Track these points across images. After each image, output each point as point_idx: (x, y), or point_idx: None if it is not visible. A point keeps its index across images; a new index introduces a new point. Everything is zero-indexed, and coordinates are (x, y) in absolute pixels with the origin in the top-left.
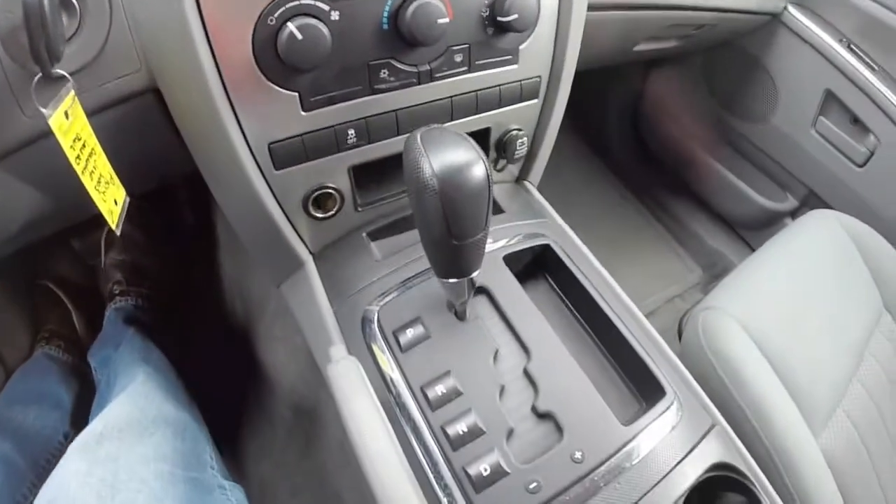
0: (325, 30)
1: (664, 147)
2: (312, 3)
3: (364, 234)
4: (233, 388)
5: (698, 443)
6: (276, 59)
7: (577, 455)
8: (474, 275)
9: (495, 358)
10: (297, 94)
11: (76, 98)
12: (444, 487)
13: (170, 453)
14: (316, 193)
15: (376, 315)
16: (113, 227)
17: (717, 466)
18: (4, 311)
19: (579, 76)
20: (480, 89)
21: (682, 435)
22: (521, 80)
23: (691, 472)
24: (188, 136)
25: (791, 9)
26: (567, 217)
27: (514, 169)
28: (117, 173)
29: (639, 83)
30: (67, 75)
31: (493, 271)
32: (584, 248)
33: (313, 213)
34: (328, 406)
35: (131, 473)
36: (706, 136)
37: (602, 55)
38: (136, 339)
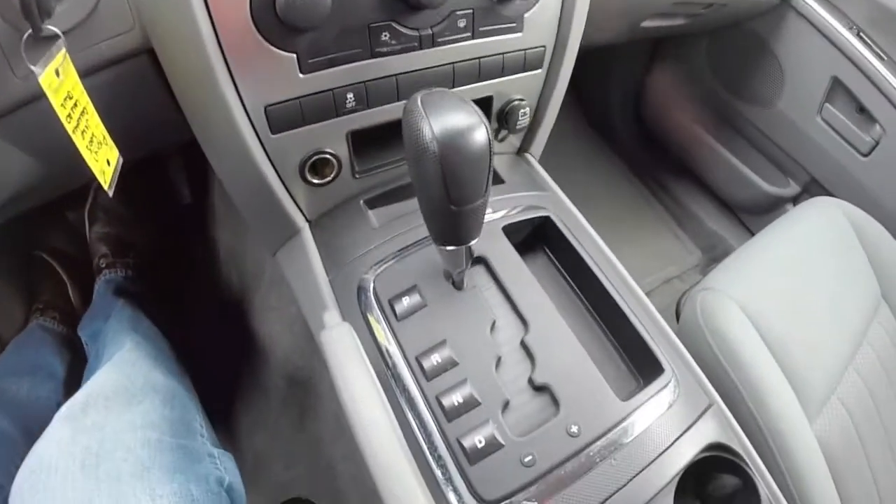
0: None
1: (667, 128)
2: None
3: (362, 202)
4: (227, 360)
5: (695, 422)
6: (274, 19)
7: (574, 429)
8: (472, 243)
9: (492, 328)
10: (295, 55)
11: (67, 56)
12: (438, 459)
13: (158, 421)
14: (313, 159)
15: (372, 284)
16: (105, 186)
17: (713, 447)
18: None
19: (584, 54)
20: (483, 56)
21: (679, 413)
22: (525, 49)
23: (687, 451)
24: (183, 98)
25: None
26: (567, 195)
27: (515, 140)
28: (112, 138)
29: (643, 64)
30: (59, 32)
31: (491, 241)
32: (585, 222)
33: (310, 179)
34: (323, 377)
35: (117, 441)
36: (710, 119)
37: (609, 29)
38: (126, 309)
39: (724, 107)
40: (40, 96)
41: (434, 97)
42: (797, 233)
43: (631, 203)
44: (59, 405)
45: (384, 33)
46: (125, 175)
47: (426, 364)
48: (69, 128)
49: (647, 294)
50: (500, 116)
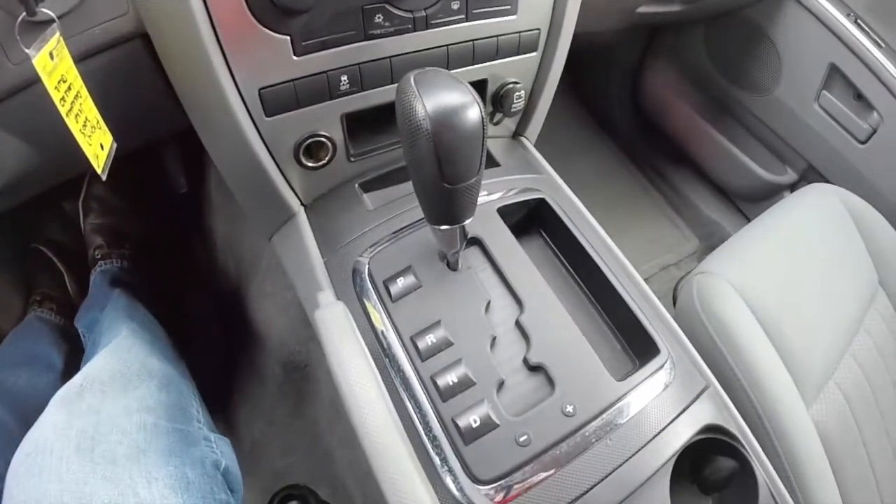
0: None
1: (664, 116)
2: None
3: (357, 185)
4: (224, 347)
5: (691, 403)
6: (267, 1)
7: (569, 408)
8: (466, 223)
9: (487, 309)
10: (288, 37)
11: (62, 40)
12: (433, 439)
13: (154, 405)
14: (308, 142)
15: (367, 266)
16: (98, 171)
17: (709, 428)
18: None
19: (581, 41)
20: (477, 39)
21: (675, 394)
22: (519, 32)
23: (683, 433)
24: (177, 81)
25: None
26: (565, 182)
27: (510, 123)
28: (107, 125)
29: (640, 50)
30: (53, 16)
31: (486, 222)
32: (580, 205)
33: (305, 162)
34: (320, 363)
35: (112, 425)
36: (707, 107)
37: (604, 14)
38: (122, 298)
39: (722, 94)
40: (35, 82)
41: (427, 76)
42: (794, 219)
43: (628, 190)
44: None
45: (378, 15)
46: (120, 165)
47: (421, 344)
48: (63, 111)
49: (645, 281)
50: (494, 99)
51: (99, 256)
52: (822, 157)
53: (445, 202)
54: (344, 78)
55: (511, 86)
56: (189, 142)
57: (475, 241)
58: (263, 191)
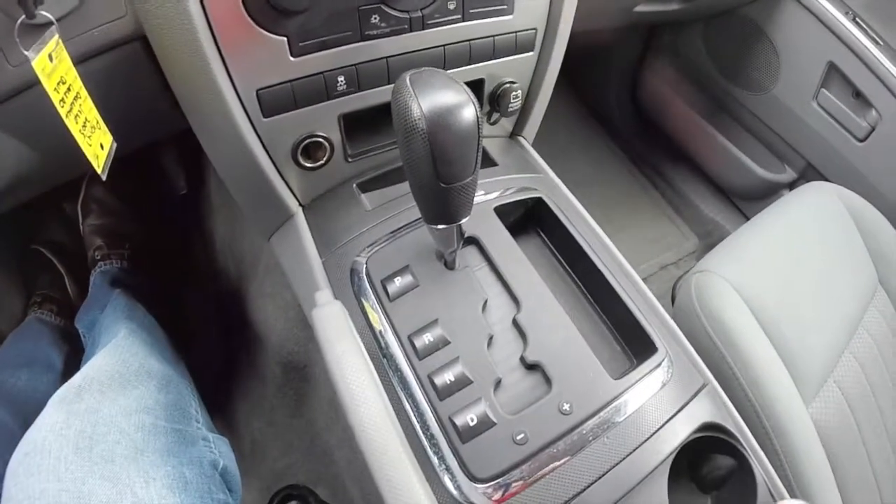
0: None
1: (663, 115)
2: None
3: (354, 185)
4: (224, 348)
5: (688, 402)
6: (263, 2)
7: (566, 407)
8: (463, 222)
9: (484, 307)
10: (285, 38)
11: (61, 42)
12: (430, 437)
13: (152, 405)
14: (305, 142)
15: (364, 266)
16: (98, 170)
17: (707, 427)
18: None
19: (579, 41)
20: (474, 39)
21: (673, 393)
22: (516, 32)
23: (681, 431)
24: (175, 82)
25: None
26: (563, 182)
27: (507, 124)
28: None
29: (639, 49)
30: (52, 18)
31: (483, 222)
32: (578, 204)
33: (303, 162)
34: (318, 363)
35: (111, 425)
36: (706, 106)
37: (602, 13)
38: (121, 299)
39: (720, 93)
40: (34, 84)
41: (422, 76)
42: (793, 217)
43: (627, 189)
44: None
45: (374, 16)
46: (119, 167)
47: (418, 343)
48: (62, 112)
49: (643, 280)
50: (491, 99)
51: (98, 257)
52: (821, 156)
53: (442, 201)
54: (341, 78)
55: (508, 85)
56: (188, 143)
57: (472, 241)
58: (261, 191)
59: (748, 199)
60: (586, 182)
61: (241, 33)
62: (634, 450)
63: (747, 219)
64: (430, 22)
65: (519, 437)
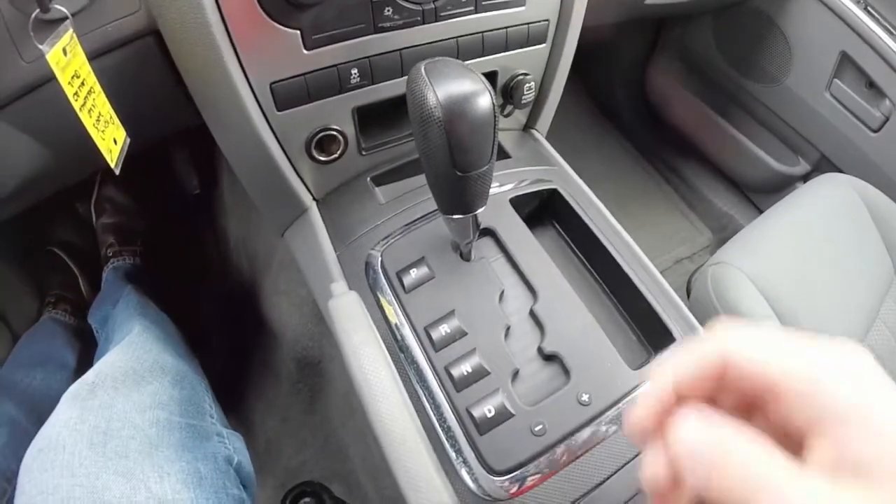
0: None
1: (674, 109)
2: None
3: (368, 179)
4: (239, 345)
5: None
6: None
7: (584, 398)
8: (479, 212)
9: (500, 298)
10: (298, 31)
11: (75, 36)
12: (448, 430)
13: (166, 401)
14: (319, 136)
15: (379, 259)
16: (112, 164)
17: None
18: (11, 277)
19: (587, 36)
20: (487, 30)
21: None
22: (528, 23)
23: None
24: (189, 77)
25: None
26: None
27: (521, 116)
28: (120, 121)
29: (648, 44)
30: (67, 13)
31: (499, 213)
32: (593, 196)
33: (316, 156)
34: (333, 359)
35: (125, 420)
36: (717, 98)
37: (613, 5)
38: (134, 295)
39: (732, 86)
40: (48, 80)
41: (437, 65)
42: (808, 209)
43: (640, 185)
44: None
45: (387, 8)
46: (132, 166)
47: (434, 335)
48: (76, 105)
49: None
50: (505, 91)
51: (111, 254)
52: (835, 147)
53: (458, 191)
54: (354, 71)
55: (521, 77)
56: (200, 144)
57: (488, 232)
58: (275, 186)
59: (762, 193)
60: (599, 179)
61: (254, 27)
62: None
63: (761, 212)
64: (442, 14)
65: (537, 429)
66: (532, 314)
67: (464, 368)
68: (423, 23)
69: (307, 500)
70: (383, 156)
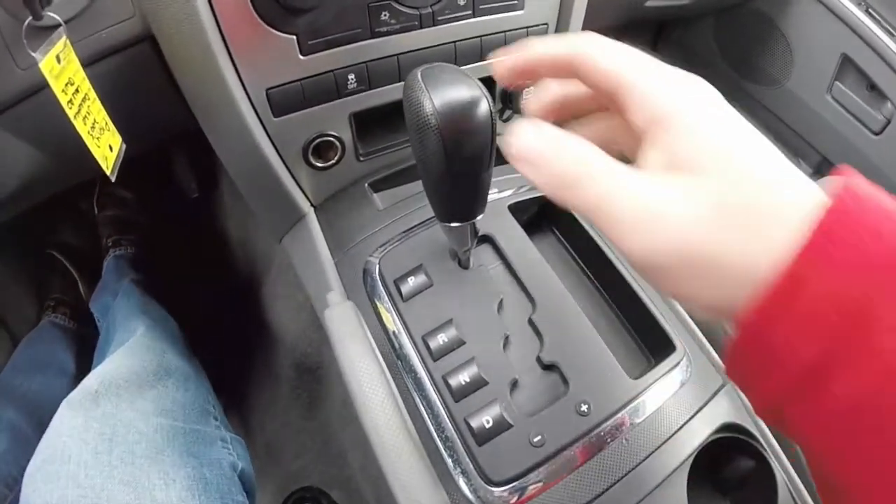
0: None
1: None
2: None
3: (366, 185)
4: (237, 349)
5: (708, 401)
6: (272, 0)
7: (584, 408)
8: (477, 220)
9: (499, 307)
10: (294, 37)
11: (68, 43)
12: (446, 440)
13: (170, 406)
14: (316, 142)
15: (377, 266)
16: (108, 172)
17: (727, 427)
18: (10, 281)
19: None
20: (485, 35)
21: (692, 392)
22: (527, 28)
23: (700, 432)
24: (184, 83)
25: None
26: None
27: None
28: (115, 127)
29: (648, 46)
30: (60, 20)
31: (497, 219)
32: None
33: (314, 162)
34: (331, 364)
35: (130, 426)
36: None
37: (613, 7)
38: (134, 290)
39: (732, 88)
40: (44, 87)
41: (434, 71)
42: None
43: None
44: None
45: (384, 12)
46: (133, 166)
47: (432, 344)
48: (70, 113)
49: None
50: (504, 96)
51: (111, 244)
52: (836, 150)
53: (455, 199)
54: (351, 76)
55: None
56: (200, 147)
57: (487, 239)
58: (273, 192)
59: None
60: None
61: (249, 32)
62: (653, 452)
63: None
64: (440, 18)
65: (536, 440)
66: (531, 323)
67: (462, 378)
68: (421, 27)
69: None
70: (381, 161)
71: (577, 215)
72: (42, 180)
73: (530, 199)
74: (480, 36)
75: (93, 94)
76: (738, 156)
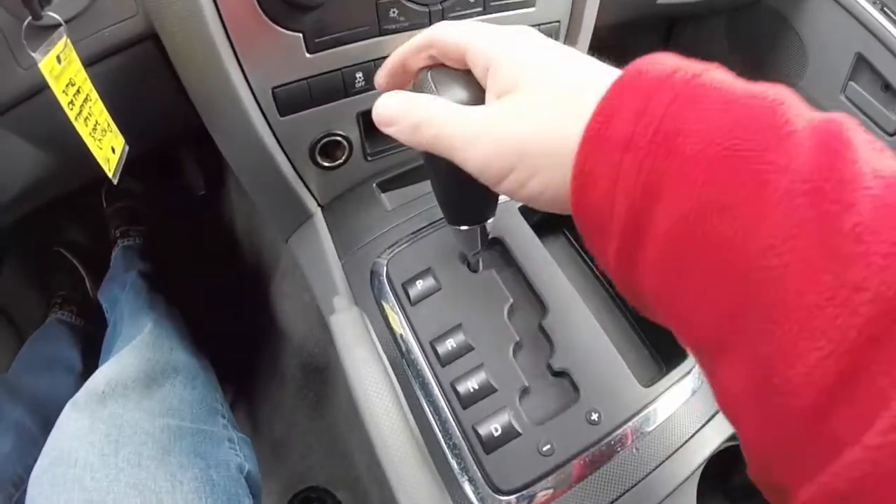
0: None
1: None
2: None
3: (374, 185)
4: (244, 347)
5: (719, 410)
6: None
7: (594, 416)
8: (487, 223)
9: (509, 312)
10: (301, 34)
11: (69, 43)
12: (453, 447)
13: (177, 405)
14: (324, 141)
15: (385, 268)
16: (110, 174)
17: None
18: (18, 279)
19: (599, 34)
20: None
21: (703, 401)
22: (538, 25)
23: (711, 440)
24: (189, 82)
25: None
26: None
27: None
28: (118, 128)
29: (660, 43)
30: (60, 20)
31: (507, 222)
32: None
33: (321, 162)
34: (338, 365)
35: (136, 427)
36: None
37: (624, 5)
38: (140, 282)
39: None
40: (45, 87)
41: (444, 72)
42: None
43: None
44: None
45: (392, 10)
46: (141, 160)
47: (441, 349)
48: (71, 115)
49: None
50: None
51: (118, 235)
52: None
53: (465, 202)
54: (359, 75)
55: None
56: (207, 145)
57: (496, 242)
58: (279, 192)
59: None
60: None
61: (254, 30)
62: (664, 461)
63: None
64: (450, 15)
65: (545, 448)
66: (541, 329)
67: (470, 385)
68: (431, 24)
69: None
70: (389, 161)
71: None
72: (46, 182)
73: None
74: None
75: (94, 95)
76: (548, 70)
